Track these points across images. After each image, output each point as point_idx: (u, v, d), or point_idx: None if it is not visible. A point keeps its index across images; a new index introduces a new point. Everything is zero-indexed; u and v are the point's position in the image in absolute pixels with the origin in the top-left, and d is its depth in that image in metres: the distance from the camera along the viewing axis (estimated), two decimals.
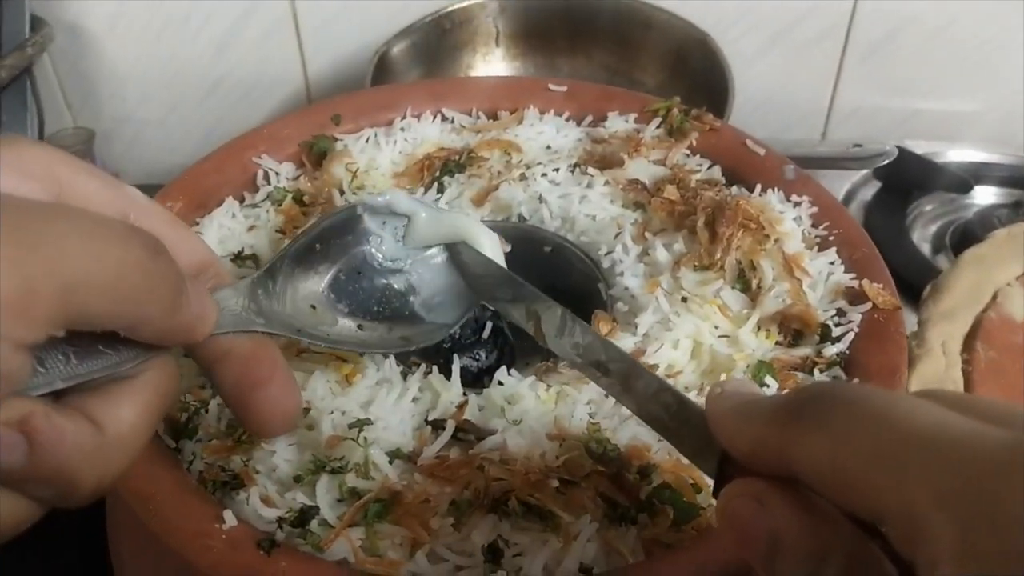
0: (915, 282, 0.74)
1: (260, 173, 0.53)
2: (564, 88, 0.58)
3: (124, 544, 0.41)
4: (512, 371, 0.42)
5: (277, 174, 0.53)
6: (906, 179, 0.85)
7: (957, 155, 0.89)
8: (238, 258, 0.48)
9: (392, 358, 0.42)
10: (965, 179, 0.86)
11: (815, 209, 0.49)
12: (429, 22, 0.85)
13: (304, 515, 0.34)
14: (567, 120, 0.58)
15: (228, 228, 0.49)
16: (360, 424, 0.37)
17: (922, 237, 0.85)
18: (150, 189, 0.49)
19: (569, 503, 0.34)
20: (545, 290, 0.49)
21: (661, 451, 0.37)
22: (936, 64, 0.93)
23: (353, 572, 0.33)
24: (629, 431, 0.38)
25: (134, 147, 1.05)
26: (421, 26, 0.84)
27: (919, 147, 0.87)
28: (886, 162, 0.75)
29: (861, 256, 0.46)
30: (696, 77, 0.84)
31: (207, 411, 0.40)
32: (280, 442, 0.37)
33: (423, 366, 0.42)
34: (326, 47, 0.95)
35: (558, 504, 0.34)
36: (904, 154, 0.82)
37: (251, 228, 0.50)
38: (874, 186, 0.87)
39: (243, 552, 0.33)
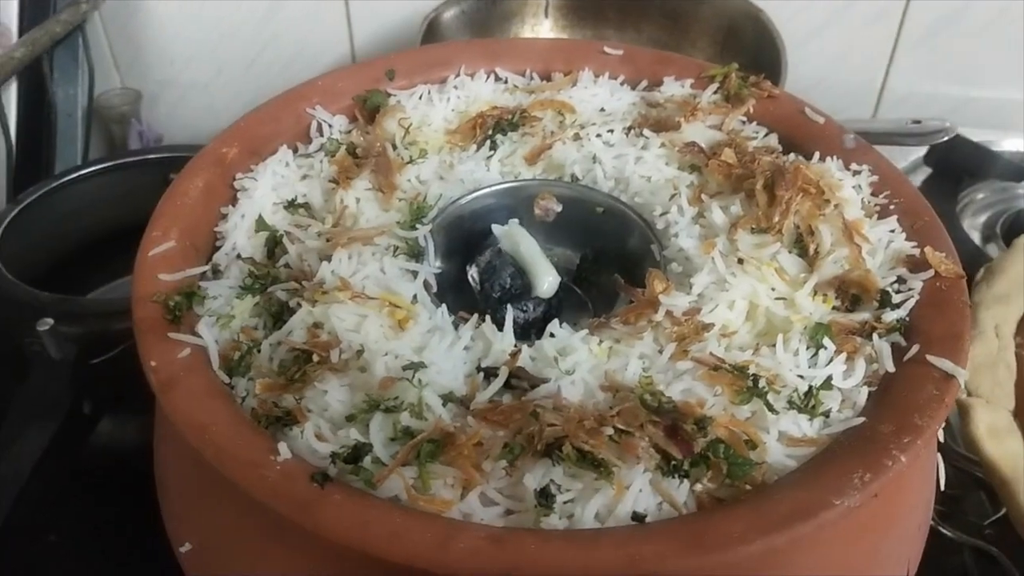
0: (965, 269, 0.72)
1: (314, 124, 0.53)
2: (620, 52, 0.58)
3: (172, 477, 0.42)
4: (564, 324, 0.41)
5: (330, 126, 0.53)
6: (958, 165, 0.83)
7: (1011, 144, 0.87)
8: (291, 205, 0.48)
9: (444, 307, 0.42)
10: (1019, 167, 0.84)
11: (875, 178, 0.48)
12: None
13: (357, 452, 0.34)
14: (622, 84, 0.57)
15: (282, 176, 0.49)
16: (415, 367, 0.37)
17: (972, 225, 0.83)
18: (195, 151, 0.50)
19: (623, 452, 0.34)
20: (596, 251, 0.49)
21: (716, 406, 0.37)
22: (992, 50, 0.90)
23: (405, 509, 0.33)
24: (683, 385, 0.37)
25: (179, 109, 1.05)
26: None
27: (972, 135, 0.85)
28: (944, 139, 0.74)
29: (923, 225, 0.45)
30: (748, 53, 0.82)
31: (259, 351, 0.40)
32: (332, 382, 0.37)
33: (475, 316, 0.42)
34: (374, 14, 0.95)
35: (612, 452, 0.34)
36: (957, 139, 0.80)
37: (304, 177, 0.50)
38: (925, 171, 0.85)
39: (297, 484, 0.33)
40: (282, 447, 0.34)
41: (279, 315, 0.42)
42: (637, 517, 0.33)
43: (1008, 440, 0.54)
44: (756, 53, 0.82)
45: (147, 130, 1.00)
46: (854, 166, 0.49)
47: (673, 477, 0.34)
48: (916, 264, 0.43)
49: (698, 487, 0.34)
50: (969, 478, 0.59)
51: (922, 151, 0.84)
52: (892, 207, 0.46)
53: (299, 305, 0.41)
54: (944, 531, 0.57)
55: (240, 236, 0.46)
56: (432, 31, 0.81)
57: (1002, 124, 0.90)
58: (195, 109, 1.05)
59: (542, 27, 0.89)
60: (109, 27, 0.99)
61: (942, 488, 0.45)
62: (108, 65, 1.01)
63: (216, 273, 0.44)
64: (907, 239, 0.45)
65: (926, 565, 0.53)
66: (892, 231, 0.45)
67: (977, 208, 0.85)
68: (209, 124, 1.01)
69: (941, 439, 0.44)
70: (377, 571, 0.32)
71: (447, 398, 0.37)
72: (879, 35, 0.91)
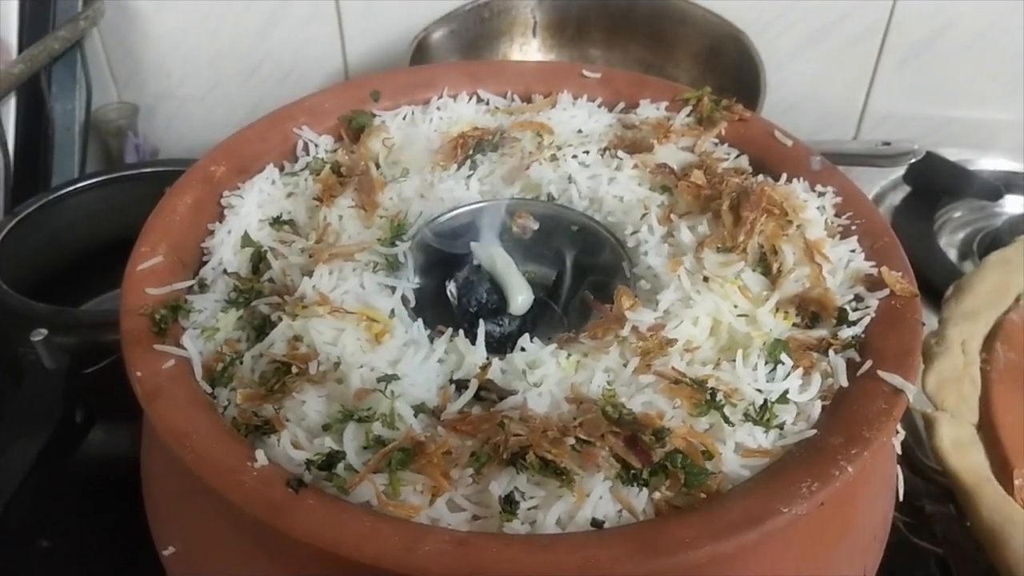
0: (940, 286, 0.74)
1: (300, 143, 0.55)
2: (598, 75, 0.60)
3: (157, 483, 0.43)
4: (534, 339, 0.43)
5: (316, 145, 0.55)
6: (936, 184, 0.85)
7: (989, 163, 0.89)
8: (276, 222, 0.50)
9: (420, 321, 0.44)
10: (996, 187, 0.86)
11: (839, 199, 0.50)
12: (468, 10, 0.86)
13: (331, 459, 0.36)
14: (599, 106, 0.59)
15: (268, 194, 0.51)
16: (388, 379, 0.39)
17: (950, 243, 0.85)
18: (190, 165, 0.51)
19: (584, 461, 0.36)
20: (571, 267, 0.51)
21: (675, 418, 0.38)
22: (973, 71, 0.93)
23: (375, 513, 0.34)
24: (644, 397, 0.39)
25: (175, 123, 1.07)
26: (460, 14, 0.86)
27: (951, 154, 0.87)
28: (913, 161, 0.76)
29: (882, 245, 0.47)
30: (729, 74, 0.85)
31: (241, 362, 0.42)
32: (310, 392, 0.39)
33: (449, 330, 0.43)
34: (366, 32, 0.97)
35: (574, 461, 0.35)
36: (935, 159, 0.82)
37: (289, 195, 0.52)
38: (904, 190, 0.87)
39: (273, 489, 0.34)
40: (259, 454, 0.36)
41: (262, 328, 0.43)
42: (596, 523, 0.35)
43: (971, 453, 0.56)
44: (737, 73, 0.84)
45: (143, 143, 1.02)
46: (819, 187, 0.51)
47: (632, 485, 0.36)
48: (873, 283, 0.45)
49: (656, 495, 0.36)
50: (939, 490, 0.61)
51: (902, 170, 0.86)
52: (854, 228, 0.48)
53: (280, 319, 0.42)
54: (915, 541, 0.58)
55: (226, 251, 0.48)
56: (422, 50, 0.83)
57: (981, 143, 0.92)
58: (191, 122, 1.07)
59: (530, 46, 0.91)
60: (107, 41, 1.01)
61: (901, 499, 0.47)
62: (105, 79, 1.03)
63: (202, 287, 0.46)
64: (866, 259, 0.46)
65: (893, 572, 0.54)
66: (852, 251, 0.47)
67: (955, 226, 0.87)
68: (205, 137, 1.03)
69: (899, 451, 0.46)
70: (347, 572, 0.33)
71: (419, 409, 0.39)
72: (860, 56, 0.94)
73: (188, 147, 1.05)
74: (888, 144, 0.73)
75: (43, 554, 0.69)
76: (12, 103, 0.87)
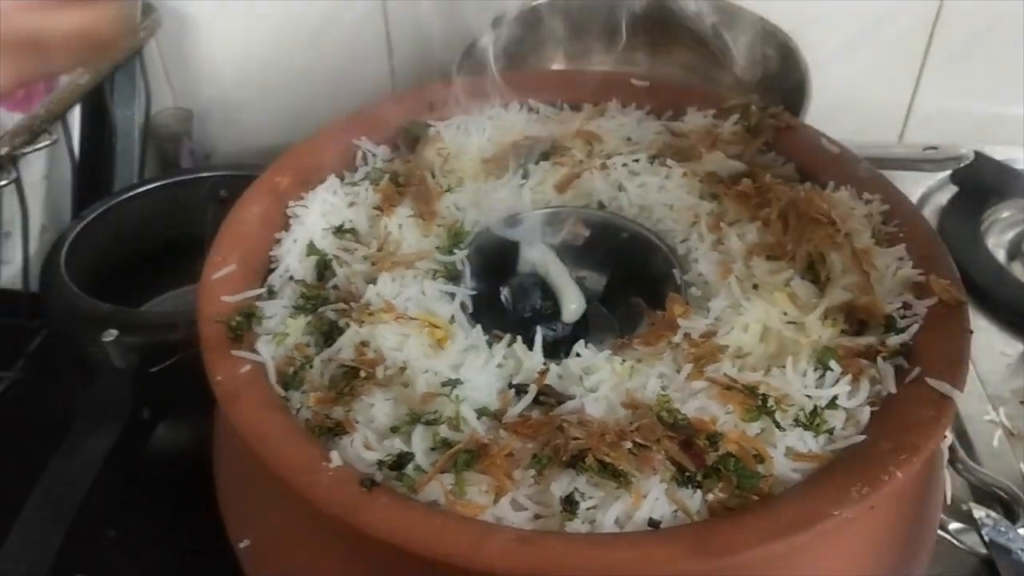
0: (988, 288, 0.74)
1: (359, 154, 0.57)
2: (646, 84, 0.61)
3: (233, 480, 0.46)
4: (588, 344, 0.45)
5: (374, 155, 0.57)
6: (983, 184, 0.85)
7: None
8: (339, 231, 0.52)
9: (479, 327, 0.46)
10: None
11: (886, 207, 0.51)
12: (515, 18, 0.88)
13: (401, 460, 0.38)
14: (648, 114, 0.61)
15: (330, 203, 0.53)
16: (452, 383, 0.41)
17: (997, 243, 0.84)
18: (242, 169, 0.53)
19: (641, 464, 0.37)
20: (622, 273, 0.53)
21: (727, 423, 0.40)
22: (1019, 68, 0.92)
23: (443, 512, 0.36)
24: (697, 403, 0.40)
25: (227, 128, 1.10)
26: (507, 21, 0.87)
27: (998, 152, 0.86)
28: (962, 165, 0.76)
29: (929, 253, 0.47)
30: (774, 77, 0.85)
31: (311, 366, 0.44)
32: (378, 396, 0.41)
33: (507, 336, 0.45)
34: (413, 40, 0.99)
35: (631, 464, 0.37)
36: (982, 159, 0.82)
37: (351, 204, 0.54)
38: (950, 190, 0.87)
39: (347, 487, 0.36)
40: (334, 455, 0.38)
41: (329, 333, 0.45)
42: (653, 523, 0.36)
43: None
44: (783, 75, 0.84)
45: (197, 148, 1.06)
46: (866, 195, 0.52)
47: (687, 487, 0.38)
48: (921, 291, 0.46)
49: (710, 497, 0.38)
50: (987, 494, 0.62)
51: (948, 171, 0.86)
52: (901, 235, 0.49)
53: (347, 325, 0.45)
54: (961, 544, 0.59)
55: (292, 260, 0.50)
56: (469, 57, 0.85)
57: None
58: (242, 127, 1.10)
59: (575, 52, 0.92)
60: (163, 49, 1.04)
61: (948, 501, 0.47)
62: (162, 86, 1.06)
63: (271, 294, 0.49)
64: (914, 267, 0.47)
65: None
66: (900, 258, 0.48)
67: (1002, 227, 0.86)
68: (256, 141, 1.07)
69: (947, 455, 0.47)
70: (418, 567, 0.35)
71: (481, 412, 0.41)
72: (906, 55, 0.93)
73: (240, 151, 1.08)
74: (935, 148, 0.73)
75: (110, 543, 0.73)
76: (77, 112, 0.91)
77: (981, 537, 0.59)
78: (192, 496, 0.68)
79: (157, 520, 0.74)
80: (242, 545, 0.44)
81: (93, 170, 0.93)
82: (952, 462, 0.61)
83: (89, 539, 0.70)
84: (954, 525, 0.59)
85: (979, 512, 0.60)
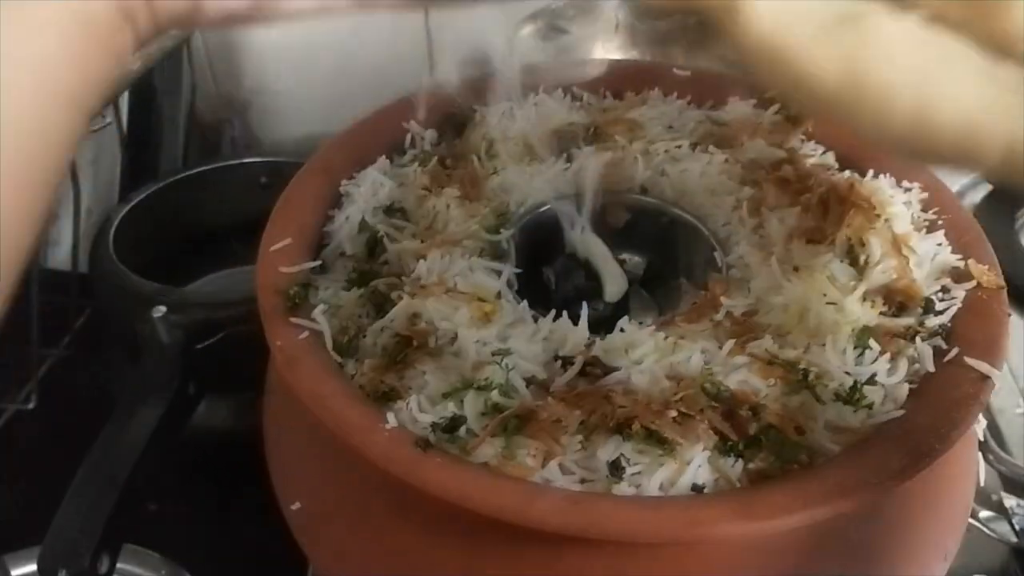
0: (1022, 284, 0.74)
1: (408, 137, 0.59)
2: (687, 73, 0.62)
3: (285, 444, 0.48)
4: (631, 320, 0.46)
5: (423, 139, 0.59)
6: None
7: None
8: (388, 210, 0.54)
9: (525, 302, 0.47)
10: None
11: (925, 195, 0.52)
12: (554, 9, 0.89)
13: (454, 423, 0.40)
14: (689, 103, 0.62)
15: (381, 183, 0.55)
16: (503, 352, 0.42)
17: None
18: (282, 155, 0.55)
19: (685, 432, 0.39)
20: (663, 256, 0.54)
21: (769, 396, 0.41)
22: None
23: (495, 472, 0.38)
24: (739, 376, 0.42)
25: (267, 116, 1.12)
26: (547, 12, 0.89)
27: None
28: None
29: (968, 239, 0.48)
30: None
31: (364, 336, 0.46)
32: (430, 364, 0.43)
33: (552, 311, 0.47)
34: (451, 30, 1.00)
35: (675, 432, 0.38)
36: None
37: (400, 185, 0.56)
38: (985, 187, 0.87)
39: (403, 447, 0.38)
40: (390, 416, 0.40)
41: (381, 306, 0.47)
42: (696, 488, 0.38)
43: None
44: None
45: (239, 135, 1.08)
46: (905, 183, 0.53)
47: (728, 456, 0.39)
48: (960, 275, 0.47)
49: (751, 466, 0.39)
50: (1018, 483, 0.62)
51: None
52: (940, 222, 0.50)
53: (400, 297, 0.46)
54: (991, 532, 0.60)
55: (344, 236, 0.52)
56: (508, 47, 0.86)
57: None
58: (283, 116, 1.12)
59: (612, 44, 0.94)
60: (207, 37, 1.07)
61: (981, 484, 0.48)
62: (206, 74, 1.09)
63: (324, 268, 0.50)
64: (952, 252, 0.48)
65: (969, 563, 0.56)
66: (939, 244, 0.49)
67: None
68: (295, 131, 1.09)
69: (981, 438, 0.48)
70: (470, 524, 0.37)
71: (530, 381, 0.42)
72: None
73: (279, 140, 1.10)
74: None
75: (151, 516, 0.75)
76: (125, 97, 0.93)
77: (1012, 526, 0.60)
78: (230, 473, 0.70)
79: (195, 494, 0.76)
80: (294, 507, 0.46)
81: (139, 155, 0.96)
82: (983, 453, 0.62)
83: (130, 512, 0.72)
84: (985, 513, 0.60)
85: (1010, 501, 0.60)
